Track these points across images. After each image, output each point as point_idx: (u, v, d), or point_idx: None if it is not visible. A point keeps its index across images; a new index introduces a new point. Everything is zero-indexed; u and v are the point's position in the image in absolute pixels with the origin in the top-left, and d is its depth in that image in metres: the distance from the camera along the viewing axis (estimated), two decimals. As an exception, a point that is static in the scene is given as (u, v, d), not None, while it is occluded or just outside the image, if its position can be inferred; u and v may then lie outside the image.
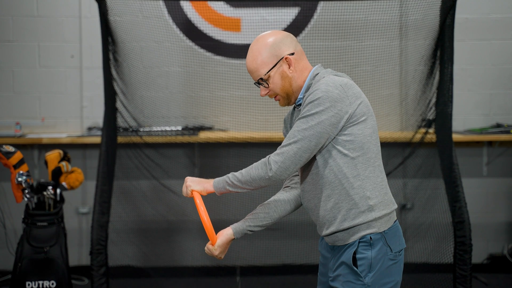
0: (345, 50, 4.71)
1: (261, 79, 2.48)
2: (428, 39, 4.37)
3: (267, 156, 2.39)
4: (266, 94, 2.52)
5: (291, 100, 2.52)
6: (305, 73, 2.50)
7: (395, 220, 2.47)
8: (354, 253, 2.41)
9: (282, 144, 2.38)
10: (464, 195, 4.06)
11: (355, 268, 2.41)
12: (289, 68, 2.48)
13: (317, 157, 2.42)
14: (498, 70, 5.13)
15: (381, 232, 2.42)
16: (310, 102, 2.36)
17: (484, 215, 5.16)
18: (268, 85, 2.48)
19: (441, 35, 4.21)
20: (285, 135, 2.62)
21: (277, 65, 2.46)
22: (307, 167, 2.47)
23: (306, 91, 2.46)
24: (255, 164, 2.41)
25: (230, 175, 2.44)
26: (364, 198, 2.39)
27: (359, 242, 2.41)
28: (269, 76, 2.47)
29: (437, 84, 4.33)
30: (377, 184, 2.41)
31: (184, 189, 2.51)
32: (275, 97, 2.52)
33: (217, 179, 2.46)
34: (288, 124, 2.63)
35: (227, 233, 2.54)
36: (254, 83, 2.52)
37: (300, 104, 2.50)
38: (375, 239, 2.41)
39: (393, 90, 4.83)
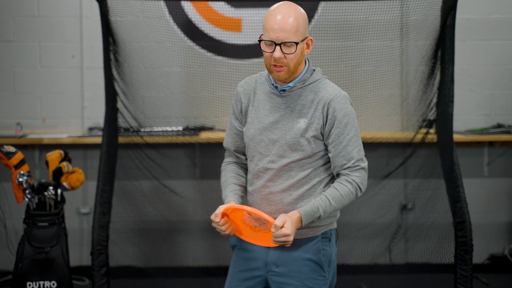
0: (346, 50, 4.71)
1: (287, 42, 2.38)
2: (429, 40, 4.37)
3: (352, 180, 2.44)
4: (279, 58, 2.40)
5: (291, 78, 2.48)
6: (303, 63, 2.51)
7: None
8: (318, 249, 2.47)
9: (358, 160, 2.46)
10: (465, 195, 4.05)
11: (319, 264, 2.46)
12: (307, 49, 2.48)
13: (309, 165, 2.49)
14: (499, 70, 5.12)
15: (335, 228, 2.57)
16: (349, 117, 2.46)
17: (485, 216, 5.16)
18: (287, 52, 2.40)
19: (442, 35, 4.21)
20: (238, 110, 2.60)
21: (305, 40, 2.45)
22: (297, 172, 2.49)
23: (300, 82, 2.48)
24: (343, 191, 2.43)
25: (320, 211, 2.40)
26: None
27: (321, 237, 2.50)
28: (295, 46, 2.40)
29: (438, 84, 4.33)
30: None
31: (286, 238, 2.36)
32: (279, 66, 2.42)
33: (304, 217, 2.39)
34: (250, 101, 2.57)
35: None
36: (267, 40, 2.40)
37: (284, 90, 2.49)
38: (333, 234, 2.55)
39: (394, 91, 4.83)
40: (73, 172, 4.15)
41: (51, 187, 4.06)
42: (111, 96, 4.30)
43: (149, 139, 4.67)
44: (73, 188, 4.14)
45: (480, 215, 5.09)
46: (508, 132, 4.93)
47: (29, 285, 3.91)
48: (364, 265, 4.95)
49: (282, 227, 2.32)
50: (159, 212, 4.83)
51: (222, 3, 4.76)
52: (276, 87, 2.51)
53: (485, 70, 5.12)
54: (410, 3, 4.60)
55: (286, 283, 2.48)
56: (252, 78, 2.61)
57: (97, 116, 4.93)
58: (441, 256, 4.31)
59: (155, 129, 4.72)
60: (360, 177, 2.45)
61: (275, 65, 2.42)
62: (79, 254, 5.05)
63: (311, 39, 2.48)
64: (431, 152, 4.56)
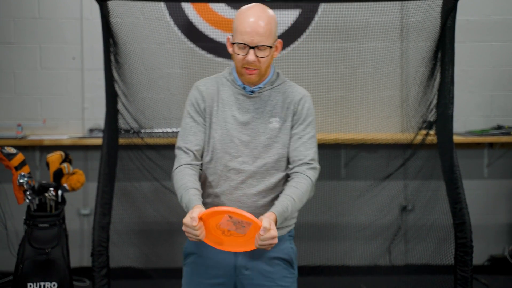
0: (346, 52, 4.72)
1: (260, 46, 2.39)
2: (429, 41, 4.37)
3: (307, 176, 2.44)
4: (253, 61, 2.41)
5: (260, 80, 2.50)
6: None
7: None
8: (287, 247, 2.50)
9: (313, 159, 2.48)
10: (465, 196, 4.06)
11: (289, 261, 2.50)
12: (276, 51, 2.51)
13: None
14: (499, 71, 5.13)
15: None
16: (313, 118, 2.51)
17: (484, 217, 5.16)
18: (261, 56, 2.42)
19: (442, 36, 4.21)
20: (201, 108, 2.51)
21: (275, 43, 2.49)
22: (272, 174, 2.49)
23: (269, 84, 2.51)
24: (302, 188, 2.41)
25: (289, 211, 2.36)
26: None
27: (288, 236, 2.53)
28: (269, 49, 2.43)
29: (438, 85, 4.33)
30: None
31: (273, 241, 2.26)
32: (251, 69, 2.44)
33: (279, 218, 2.32)
34: (214, 101, 2.52)
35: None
36: (240, 43, 2.41)
37: (253, 91, 2.50)
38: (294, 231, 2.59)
39: (394, 92, 4.83)
40: (73, 173, 4.16)
41: (51, 188, 4.07)
42: (111, 97, 4.30)
43: (149, 141, 4.67)
44: (73, 189, 4.14)
45: (480, 216, 5.10)
46: (508, 134, 4.93)
47: (30, 286, 3.92)
48: (364, 266, 4.95)
49: (269, 229, 2.22)
50: (159, 213, 4.83)
51: (223, 4, 4.76)
52: (244, 88, 2.51)
53: (485, 72, 5.12)
54: (410, 5, 4.61)
55: (258, 284, 2.46)
56: (211, 78, 2.58)
57: (98, 118, 4.93)
58: (441, 258, 4.31)
59: (156, 130, 4.72)
60: (314, 176, 2.46)
61: (247, 68, 2.43)
62: (80, 255, 5.05)
63: (280, 42, 2.51)
64: (431, 153, 4.56)
